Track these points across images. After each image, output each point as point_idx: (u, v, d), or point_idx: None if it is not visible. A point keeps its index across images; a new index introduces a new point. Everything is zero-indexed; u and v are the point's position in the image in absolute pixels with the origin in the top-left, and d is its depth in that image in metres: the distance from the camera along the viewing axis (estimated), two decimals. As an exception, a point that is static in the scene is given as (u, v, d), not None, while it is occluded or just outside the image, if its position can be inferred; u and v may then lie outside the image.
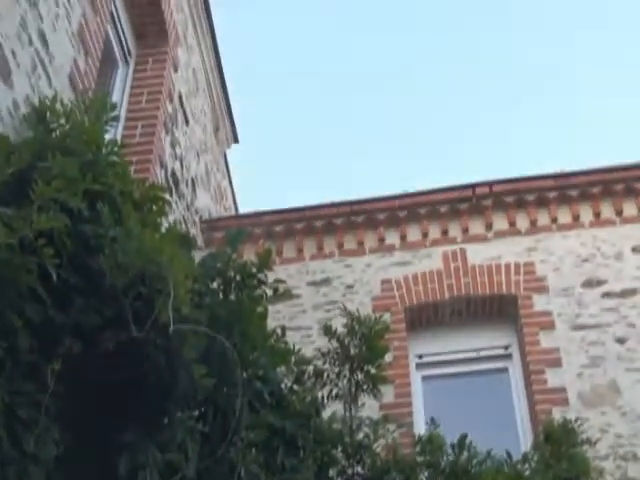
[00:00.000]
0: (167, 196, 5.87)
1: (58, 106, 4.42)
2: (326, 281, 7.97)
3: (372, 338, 5.04)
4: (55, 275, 3.26)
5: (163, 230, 4.15)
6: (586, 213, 7.90)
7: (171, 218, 7.20)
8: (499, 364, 7.50)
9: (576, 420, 6.18)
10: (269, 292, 4.36)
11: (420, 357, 7.60)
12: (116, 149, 4.22)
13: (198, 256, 4.51)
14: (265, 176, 23.80)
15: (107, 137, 4.37)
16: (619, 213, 7.84)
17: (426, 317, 7.79)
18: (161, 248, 3.43)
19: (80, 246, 3.61)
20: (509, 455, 5.51)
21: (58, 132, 4.26)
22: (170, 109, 7.87)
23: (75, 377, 3.47)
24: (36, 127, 4.39)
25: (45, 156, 3.85)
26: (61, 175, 3.65)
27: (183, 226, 7.65)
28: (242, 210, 10.59)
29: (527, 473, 5.51)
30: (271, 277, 4.42)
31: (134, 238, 3.55)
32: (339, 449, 4.99)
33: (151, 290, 3.38)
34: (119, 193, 4.01)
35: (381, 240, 8.16)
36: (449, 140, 23.43)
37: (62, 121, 4.30)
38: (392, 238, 8.16)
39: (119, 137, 6.91)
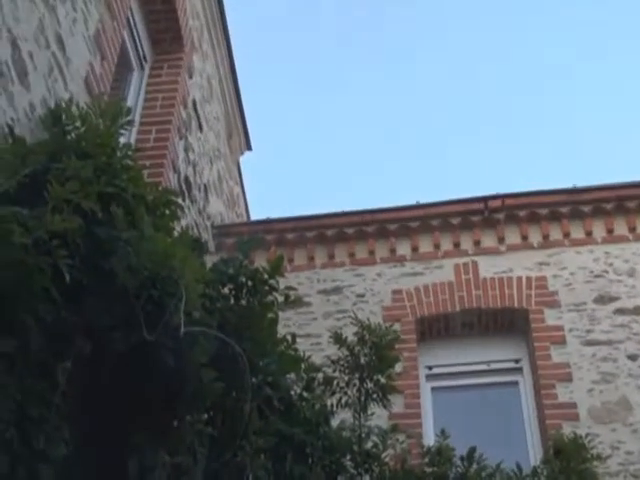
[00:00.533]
0: (180, 201, 5.91)
1: (74, 109, 4.44)
2: (337, 290, 7.96)
3: (383, 347, 5.03)
4: (68, 276, 3.26)
5: (175, 234, 4.15)
6: (599, 229, 7.87)
7: (183, 223, 7.20)
8: (509, 377, 7.47)
9: (586, 436, 6.15)
10: (280, 299, 4.36)
11: (430, 368, 7.57)
12: (130, 153, 4.23)
13: (209, 261, 4.52)
14: (277, 184, 23.85)
15: (121, 141, 4.39)
16: (632, 230, 7.81)
17: (437, 328, 7.77)
18: (173, 252, 3.43)
19: (93, 248, 3.61)
20: (519, 468, 5.48)
21: (73, 135, 4.27)
22: (184, 115, 7.89)
23: (86, 377, 3.47)
24: (51, 129, 4.41)
25: (60, 158, 3.86)
26: (75, 177, 3.66)
27: (195, 231, 7.66)
28: (254, 217, 10.61)
29: (536, 486, 5.49)
30: (282, 284, 4.43)
31: (147, 241, 3.56)
32: (348, 458, 4.98)
33: (162, 293, 3.37)
34: (132, 196, 4.01)
35: (392, 250, 8.14)
36: (462, 153, 23.44)
37: (77, 124, 4.32)
38: (403, 249, 8.14)
39: (133, 141, 6.94)
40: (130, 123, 4.53)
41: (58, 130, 4.38)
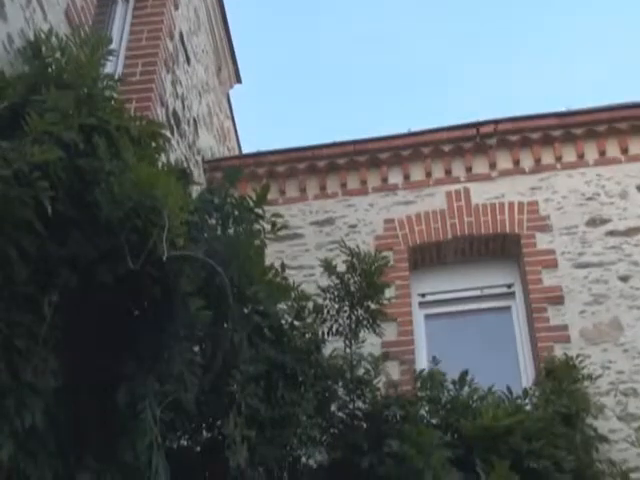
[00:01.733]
0: (167, 133, 5.84)
1: (54, 40, 4.37)
2: (329, 221, 7.94)
3: (372, 274, 5.03)
4: (49, 207, 3.24)
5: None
6: (591, 151, 7.80)
7: (172, 157, 7.15)
8: (502, 302, 7.47)
9: (577, 357, 6.21)
10: (267, 227, 4.34)
11: (423, 296, 7.58)
12: (112, 83, 4.18)
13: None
14: (269, 116, 23.63)
15: (104, 72, 4.34)
16: (624, 151, 7.73)
17: (429, 256, 7.76)
18: (156, 181, 3.40)
19: (76, 179, 3.59)
20: (509, 390, 5.55)
21: (54, 67, 4.21)
22: (171, 47, 7.77)
23: (73, 310, 3.48)
24: (32, 61, 4.35)
25: (40, 90, 3.81)
26: (55, 109, 3.62)
27: (185, 165, 7.60)
28: (246, 151, 10.53)
29: (527, 408, 5.56)
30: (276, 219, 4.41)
31: (130, 171, 3.53)
32: (340, 384, 5.02)
33: (146, 222, 3.36)
34: (116, 129, 3.97)
35: (384, 180, 8.09)
36: (453, 79, 23.21)
37: (58, 55, 4.25)
38: (395, 177, 8.09)
39: (119, 75, 6.83)
40: (111, 52, 4.46)
41: (39, 62, 4.32)
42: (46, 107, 3.60)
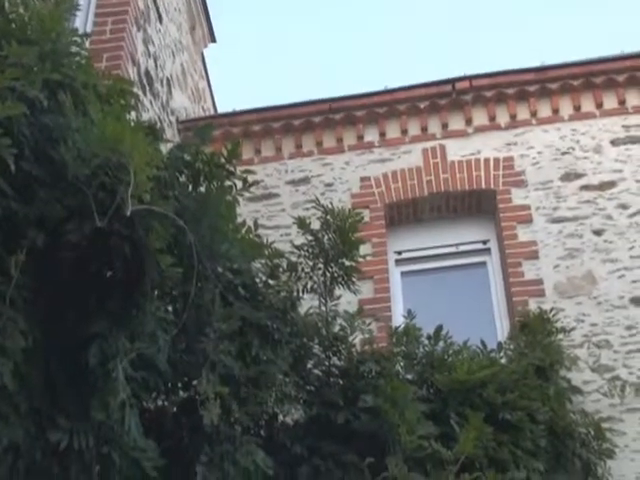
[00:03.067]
0: (138, 91, 5.75)
1: (16, -4, 4.26)
2: (305, 180, 7.91)
3: (346, 231, 5.00)
4: (13, 165, 3.18)
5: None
6: (566, 106, 7.80)
7: (145, 117, 7.06)
8: (478, 258, 7.50)
9: (551, 310, 6.26)
10: (239, 184, 4.30)
11: (399, 253, 7.59)
12: (76, 39, 4.09)
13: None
14: (244, 76, 23.42)
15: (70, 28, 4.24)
16: (599, 106, 7.73)
17: (405, 214, 7.76)
18: (122, 136, 3.34)
19: (42, 137, 3.53)
20: (484, 344, 5.58)
21: (17, 22, 4.12)
22: (142, 5, 7.64)
23: (42, 270, 3.44)
24: (-6, 18, 4.24)
25: (2, 47, 3.73)
26: (18, 64, 3.54)
27: (158, 125, 7.51)
28: (221, 111, 10.42)
29: (502, 361, 5.61)
30: (250, 177, 4.38)
31: (96, 127, 3.47)
32: (315, 342, 5.02)
33: (114, 180, 3.31)
34: (82, 85, 3.90)
35: (360, 137, 8.06)
36: (429, 35, 23.05)
37: (21, 10, 4.16)
38: (371, 135, 8.05)
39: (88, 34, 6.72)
40: (76, 6, 4.37)
41: (2, 19, 4.22)
42: (8, 63, 3.52)
